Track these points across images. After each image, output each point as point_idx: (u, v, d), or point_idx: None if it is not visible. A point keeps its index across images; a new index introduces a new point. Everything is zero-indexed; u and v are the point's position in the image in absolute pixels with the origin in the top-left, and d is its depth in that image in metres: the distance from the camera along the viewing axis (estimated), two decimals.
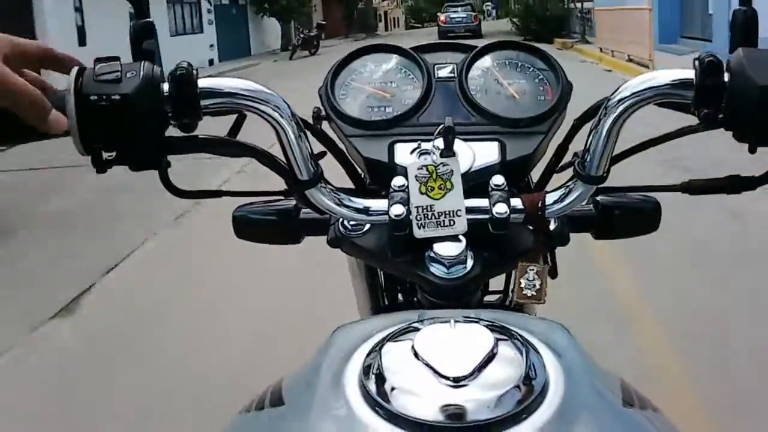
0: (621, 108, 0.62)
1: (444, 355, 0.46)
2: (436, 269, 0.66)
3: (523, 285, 0.70)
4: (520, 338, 0.49)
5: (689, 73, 0.61)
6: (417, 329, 0.50)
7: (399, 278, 0.91)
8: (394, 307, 0.93)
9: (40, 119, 0.58)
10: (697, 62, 0.60)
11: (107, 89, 0.57)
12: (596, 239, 0.81)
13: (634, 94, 0.62)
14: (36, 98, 0.58)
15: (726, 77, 0.60)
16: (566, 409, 0.45)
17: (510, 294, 0.87)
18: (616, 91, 0.64)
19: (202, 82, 0.61)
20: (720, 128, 0.61)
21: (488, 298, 0.92)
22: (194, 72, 0.60)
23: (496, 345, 0.47)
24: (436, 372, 0.45)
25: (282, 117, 0.63)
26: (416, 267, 0.67)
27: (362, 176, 0.77)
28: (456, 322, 0.49)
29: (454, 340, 0.48)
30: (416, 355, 0.46)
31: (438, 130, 0.66)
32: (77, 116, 0.57)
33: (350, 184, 0.76)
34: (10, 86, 0.56)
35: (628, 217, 0.79)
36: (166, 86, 0.59)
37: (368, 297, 0.96)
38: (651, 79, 0.62)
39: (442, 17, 31.26)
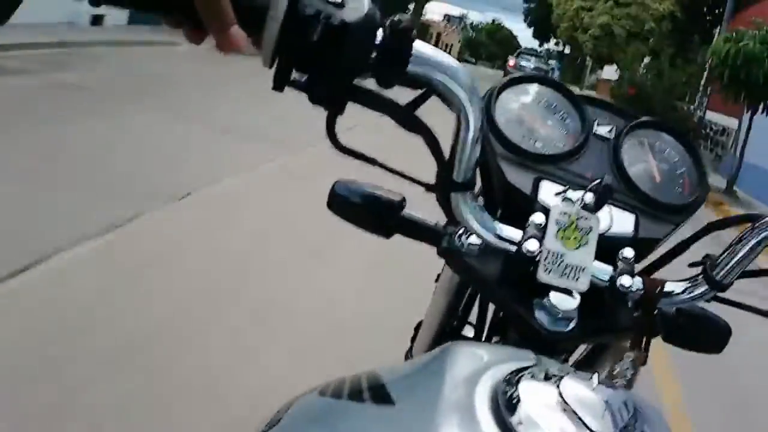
0: None
1: (590, 407, 0.46)
2: (542, 317, 0.65)
3: (615, 372, 0.69)
4: (640, 408, 0.50)
5: None
6: (549, 372, 0.49)
7: (482, 312, 0.91)
8: (460, 338, 0.94)
9: (219, 26, 0.51)
10: None
11: (328, 9, 0.52)
12: (664, 341, 0.79)
13: None
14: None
15: None
16: None
17: (582, 364, 0.88)
18: None
19: (418, 44, 0.56)
20: None
21: None
22: (414, 32, 0.56)
23: (635, 413, 0.47)
24: (580, 420, 0.45)
25: (473, 110, 0.61)
26: (523, 307, 0.67)
27: (494, 198, 0.77)
28: (598, 380, 0.49)
29: (600, 397, 0.48)
30: (561, 396, 0.46)
31: (593, 184, 0.67)
32: (282, 23, 0.51)
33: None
34: None
35: (701, 331, 0.79)
36: (380, 33, 0.55)
37: (443, 318, 0.96)
38: None
39: (511, 62, 30.91)
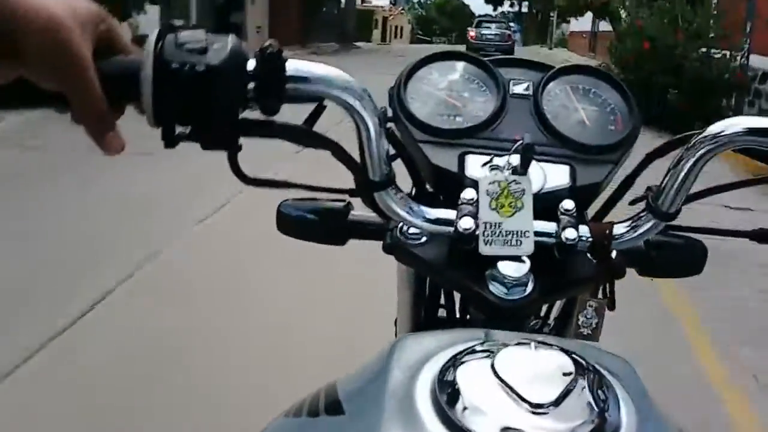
0: (706, 149, 0.63)
1: (526, 379, 0.45)
2: (496, 288, 0.65)
3: (580, 322, 0.72)
4: (593, 369, 0.49)
5: None
6: (488, 350, 0.49)
7: (447, 294, 0.90)
8: (436, 322, 0.92)
9: (97, 132, 0.53)
10: None
11: (192, 58, 0.53)
12: (640, 275, 0.81)
13: (719, 136, 0.63)
14: (103, 107, 0.52)
15: None
16: None
17: (556, 322, 0.88)
18: (702, 131, 0.64)
19: (290, 65, 0.58)
20: None
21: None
22: (283, 53, 0.58)
23: (576, 376, 0.46)
24: (517, 395, 0.44)
25: (366, 110, 0.61)
26: (475, 283, 0.66)
27: (425, 183, 0.77)
28: (536, 345, 0.49)
29: (535, 365, 0.47)
30: (497, 375, 0.46)
31: (515, 146, 0.67)
32: (154, 84, 0.53)
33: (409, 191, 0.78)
34: (79, 74, 0.50)
35: (676, 257, 0.80)
36: (251, 64, 0.56)
37: (412, 309, 0.95)
38: (737, 124, 0.63)
39: (472, 33, 28.51)
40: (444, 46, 34.39)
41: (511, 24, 39.32)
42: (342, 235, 0.80)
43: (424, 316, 0.92)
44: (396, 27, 51.53)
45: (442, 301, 0.91)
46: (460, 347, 0.51)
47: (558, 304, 0.85)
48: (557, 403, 0.44)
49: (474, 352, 0.49)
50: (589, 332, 0.72)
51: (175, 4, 13.40)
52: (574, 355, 0.48)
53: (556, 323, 0.88)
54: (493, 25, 29.04)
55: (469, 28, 29.88)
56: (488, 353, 0.48)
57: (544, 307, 0.88)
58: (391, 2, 51.52)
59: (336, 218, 0.79)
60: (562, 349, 0.49)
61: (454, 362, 0.48)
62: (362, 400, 0.51)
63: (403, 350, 0.53)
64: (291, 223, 0.81)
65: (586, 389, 0.46)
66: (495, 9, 54.07)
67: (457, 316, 0.87)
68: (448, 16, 59.50)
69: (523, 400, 0.43)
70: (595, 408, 0.45)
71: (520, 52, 29.73)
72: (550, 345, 0.50)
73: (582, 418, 0.44)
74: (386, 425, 0.45)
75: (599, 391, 0.46)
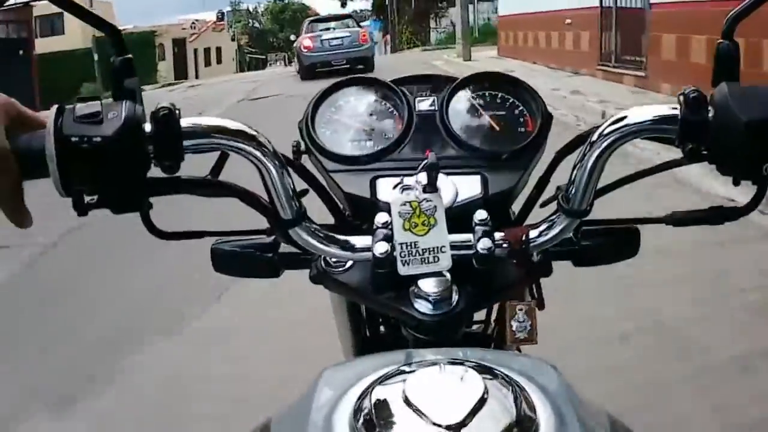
0: (607, 142, 0.67)
1: (435, 402, 0.48)
2: (421, 305, 0.69)
3: (514, 327, 0.76)
4: (507, 379, 0.52)
5: (674, 109, 0.65)
6: (406, 372, 0.53)
7: (382, 314, 0.94)
8: (376, 344, 0.96)
9: (12, 205, 0.62)
10: (681, 97, 0.65)
11: (88, 131, 0.59)
12: (576, 266, 0.83)
13: (619, 128, 0.66)
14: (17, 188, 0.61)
15: (710, 112, 0.64)
16: None
17: (491, 324, 0.95)
18: (601, 125, 0.67)
19: (185, 122, 0.63)
20: (704, 161, 0.67)
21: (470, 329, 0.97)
22: (177, 112, 0.62)
23: (486, 389, 0.49)
24: (428, 420, 0.47)
25: (265, 156, 0.66)
26: (400, 303, 0.70)
27: (344, 211, 0.80)
28: (445, 365, 0.52)
29: (444, 385, 0.50)
30: (407, 402, 0.48)
31: (421, 166, 0.69)
32: (57, 158, 0.58)
33: (331, 219, 0.80)
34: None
35: (608, 244, 0.82)
36: (148, 126, 0.61)
37: (351, 334, 0.99)
38: (636, 114, 0.67)
39: (307, 42, 17.41)
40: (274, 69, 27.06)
41: (365, 23, 32.12)
42: (276, 268, 0.83)
43: (366, 336, 0.97)
44: (206, 51, 35.49)
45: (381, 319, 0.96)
46: (377, 375, 0.54)
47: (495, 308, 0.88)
48: (465, 422, 0.47)
49: (389, 377, 0.53)
50: (526, 335, 0.77)
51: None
52: (491, 368, 0.53)
53: (497, 327, 0.92)
54: (335, 25, 19.03)
55: (301, 36, 18.30)
56: (401, 378, 0.51)
57: (484, 313, 0.95)
58: (218, 16, 44.12)
59: (267, 252, 0.82)
60: (475, 366, 0.53)
61: (370, 392, 0.51)
62: None
63: (327, 382, 0.57)
64: (226, 261, 0.85)
65: (497, 401, 0.49)
66: (344, 5, 45.16)
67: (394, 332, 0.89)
68: (289, 23, 51.49)
69: (434, 424, 0.47)
70: (507, 417, 0.48)
71: (390, 62, 19.64)
72: (462, 363, 0.53)
73: (494, 431, 0.47)
74: None
75: (511, 400, 0.49)
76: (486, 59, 16.41)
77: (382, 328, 0.98)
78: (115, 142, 0.59)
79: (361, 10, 45.65)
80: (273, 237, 0.82)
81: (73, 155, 0.59)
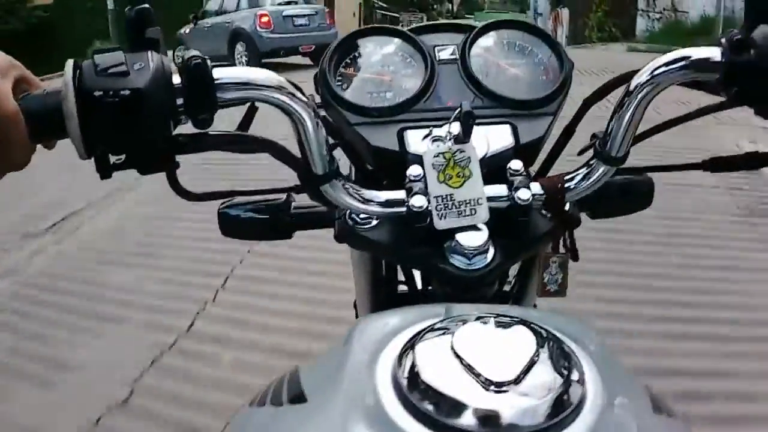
0: (647, 88, 0.65)
1: (486, 357, 0.46)
2: (458, 261, 0.67)
3: (546, 280, 0.77)
4: (557, 341, 0.50)
5: (716, 51, 0.64)
6: (447, 327, 0.50)
7: (406, 271, 0.94)
8: (396, 300, 0.95)
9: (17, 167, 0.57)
10: (724, 40, 0.63)
11: (114, 83, 0.54)
12: (593, 219, 0.84)
13: (660, 74, 0.65)
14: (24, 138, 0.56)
15: (753, 54, 0.62)
16: (604, 418, 0.46)
17: (517, 283, 0.92)
18: (641, 70, 0.66)
19: (217, 73, 0.60)
20: (744, 105, 0.65)
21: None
22: (208, 62, 0.58)
23: (538, 349, 0.47)
24: (478, 375, 0.45)
25: (299, 106, 0.63)
26: (436, 259, 0.67)
27: (365, 166, 0.79)
28: (496, 321, 0.50)
29: (495, 341, 0.48)
30: (456, 354, 0.47)
31: (455, 114, 0.67)
32: (78, 116, 0.54)
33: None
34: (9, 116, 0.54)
35: (624, 195, 0.82)
36: (176, 78, 0.58)
37: (370, 290, 0.98)
38: (678, 58, 0.65)
39: (265, 17, 12.31)
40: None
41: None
42: (288, 229, 0.82)
43: (384, 296, 0.95)
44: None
45: (401, 277, 0.96)
46: (420, 326, 0.52)
47: (515, 265, 0.87)
48: (518, 380, 0.45)
49: (434, 330, 0.51)
50: (557, 288, 0.77)
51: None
52: (533, 326, 0.50)
53: (518, 284, 0.91)
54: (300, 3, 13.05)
55: (258, 10, 12.53)
56: (448, 331, 0.49)
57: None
58: None
59: (280, 213, 0.81)
60: (522, 322, 0.50)
61: (414, 343, 0.49)
62: (324, 387, 0.52)
63: (363, 333, 0.55)
64: (235, 225, 0.83)
65: (548, 361, 0.47)
66: None
67: (419, 289, 0.92)
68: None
69: (484, 379, 0.45)
70: (558, 379, 0.46)
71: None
72: (511, 318, 0.51)
73: (544, 392, 0.45)
74: (348, 411, 0.47)
75: (561, 361, 0.48)
76: None
77: (402, 287, 0.96)
78: (145, 94, 0.54)
79: None
80: (285, 199, 0.81)
81: (96, 112, 0.54)
